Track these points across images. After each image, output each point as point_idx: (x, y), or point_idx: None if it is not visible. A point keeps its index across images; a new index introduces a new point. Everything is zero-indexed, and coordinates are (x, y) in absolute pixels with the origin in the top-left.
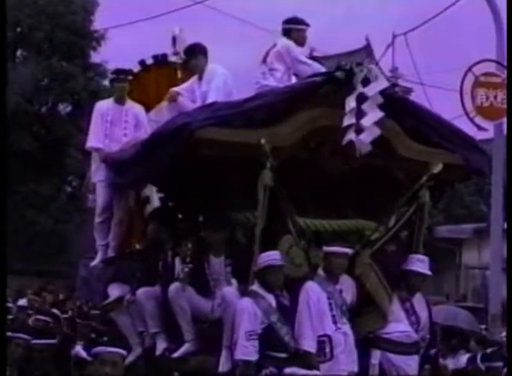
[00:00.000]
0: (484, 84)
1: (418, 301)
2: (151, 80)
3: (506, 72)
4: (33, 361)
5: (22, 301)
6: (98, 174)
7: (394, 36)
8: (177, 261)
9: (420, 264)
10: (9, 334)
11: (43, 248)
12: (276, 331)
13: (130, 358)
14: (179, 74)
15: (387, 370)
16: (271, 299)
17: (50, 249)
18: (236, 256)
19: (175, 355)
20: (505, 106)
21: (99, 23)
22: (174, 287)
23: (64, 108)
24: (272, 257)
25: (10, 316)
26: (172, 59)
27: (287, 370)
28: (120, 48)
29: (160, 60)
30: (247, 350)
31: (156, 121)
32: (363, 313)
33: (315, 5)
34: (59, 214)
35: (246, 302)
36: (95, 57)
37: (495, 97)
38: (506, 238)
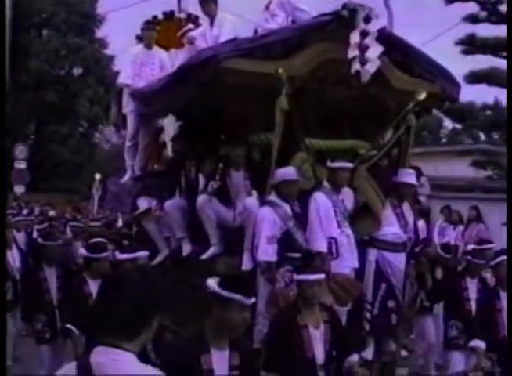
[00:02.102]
0: None
1: (406, 207)
2: (161, 31)
3: None
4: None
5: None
6: (128, 106)
7: None
8: (200, 176)
9: (408, 176)
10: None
11: (63, 172)
12: (292, 235)
13: (158, 258)
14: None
15: (382, 265)
16: (287, 208)
17: (68, 173)
18: (252, 171)
19: (204, 256)
20: None
21: (101, 8)
22: (202, 198)
23: (77, 70)
24: (289, 172)
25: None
26: (177, 15)
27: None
28: (116, 26)
29: (168, 15)
30: (268, 252)
31: None
32: (361, 218)
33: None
34: (74, 148)
35: (266, 211)
36: (99, 33)
37: None
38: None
